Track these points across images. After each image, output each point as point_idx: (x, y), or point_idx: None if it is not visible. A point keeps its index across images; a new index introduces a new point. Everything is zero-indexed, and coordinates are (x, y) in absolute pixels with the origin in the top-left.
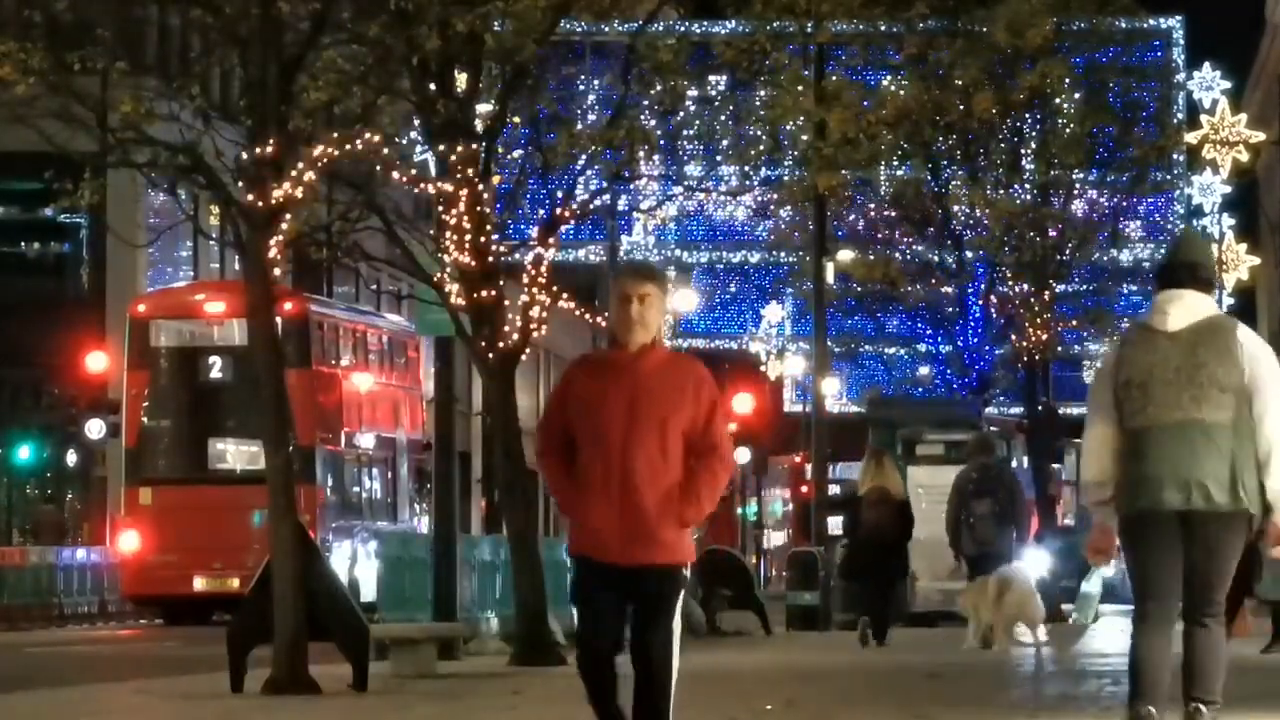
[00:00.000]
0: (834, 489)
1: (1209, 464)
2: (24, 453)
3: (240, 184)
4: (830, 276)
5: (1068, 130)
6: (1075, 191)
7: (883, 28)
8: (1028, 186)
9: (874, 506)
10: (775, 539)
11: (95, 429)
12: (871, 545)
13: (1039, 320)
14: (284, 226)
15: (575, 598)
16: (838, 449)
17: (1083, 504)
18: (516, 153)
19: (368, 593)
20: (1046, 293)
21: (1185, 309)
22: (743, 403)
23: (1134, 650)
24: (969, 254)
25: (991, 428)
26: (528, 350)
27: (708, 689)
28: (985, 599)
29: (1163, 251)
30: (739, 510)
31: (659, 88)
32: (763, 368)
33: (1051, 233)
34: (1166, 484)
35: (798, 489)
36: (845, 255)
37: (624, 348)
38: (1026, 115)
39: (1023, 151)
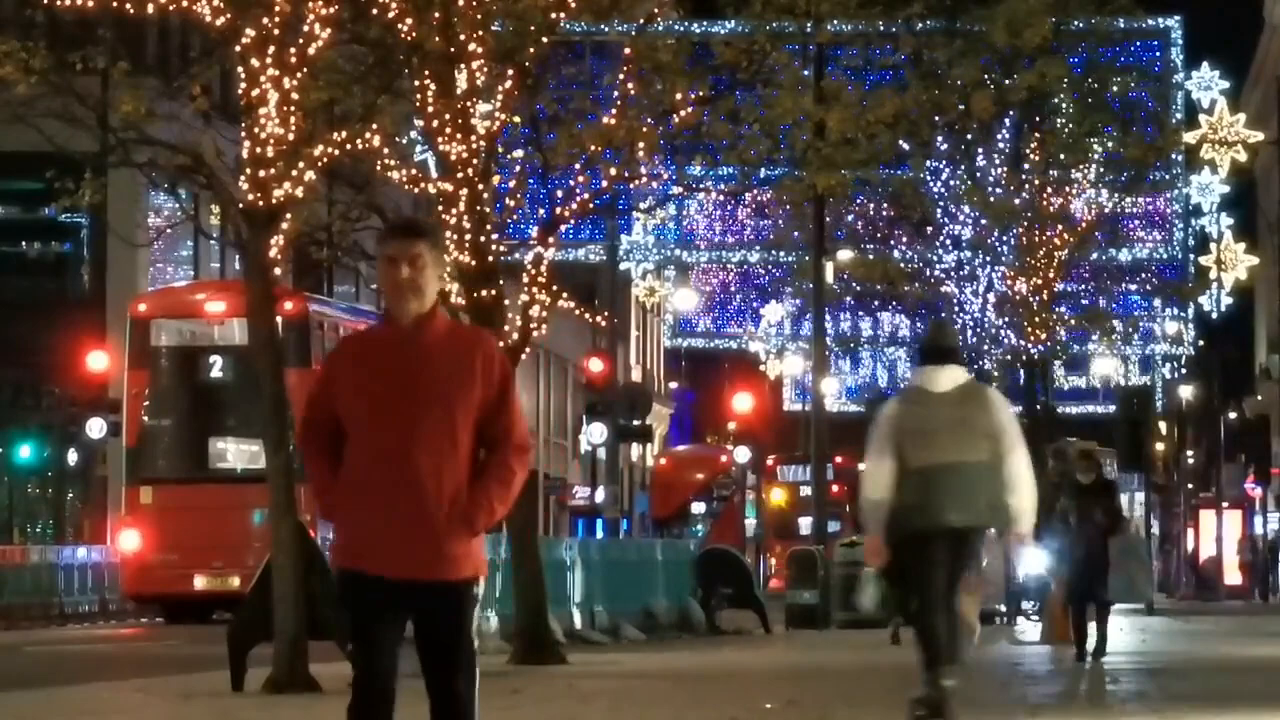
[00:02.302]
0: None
1: (978, 492)
2: (25, 452)
3: (241, 183)
4: (829, 276)
5: (1066, 130)
6: (1074, 191)
7: (881, 28)
8: (1026, 186)
9: None
10: None
11: (96, 428)
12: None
13: (1038, 320)
14: (284, 226)
15: (348, 622)
16: (837, 448)
17: (861, 519)
18: (517, 152)
19: None
20: (1045, 292)
21: (949, 377)
22: (742, 402)
23: (927, 629)
24: (968, 253)
25: None
26: (528, 350)
27: (708, 688)
28: None
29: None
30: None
31: (659, 87)
32: (762, 367)
33: (1050, 232)
34: (949, 508)
35: (768, 491)
36: (844, 255)
37: (396, 320)
38: (1025, 115)
39: (1022, 151)
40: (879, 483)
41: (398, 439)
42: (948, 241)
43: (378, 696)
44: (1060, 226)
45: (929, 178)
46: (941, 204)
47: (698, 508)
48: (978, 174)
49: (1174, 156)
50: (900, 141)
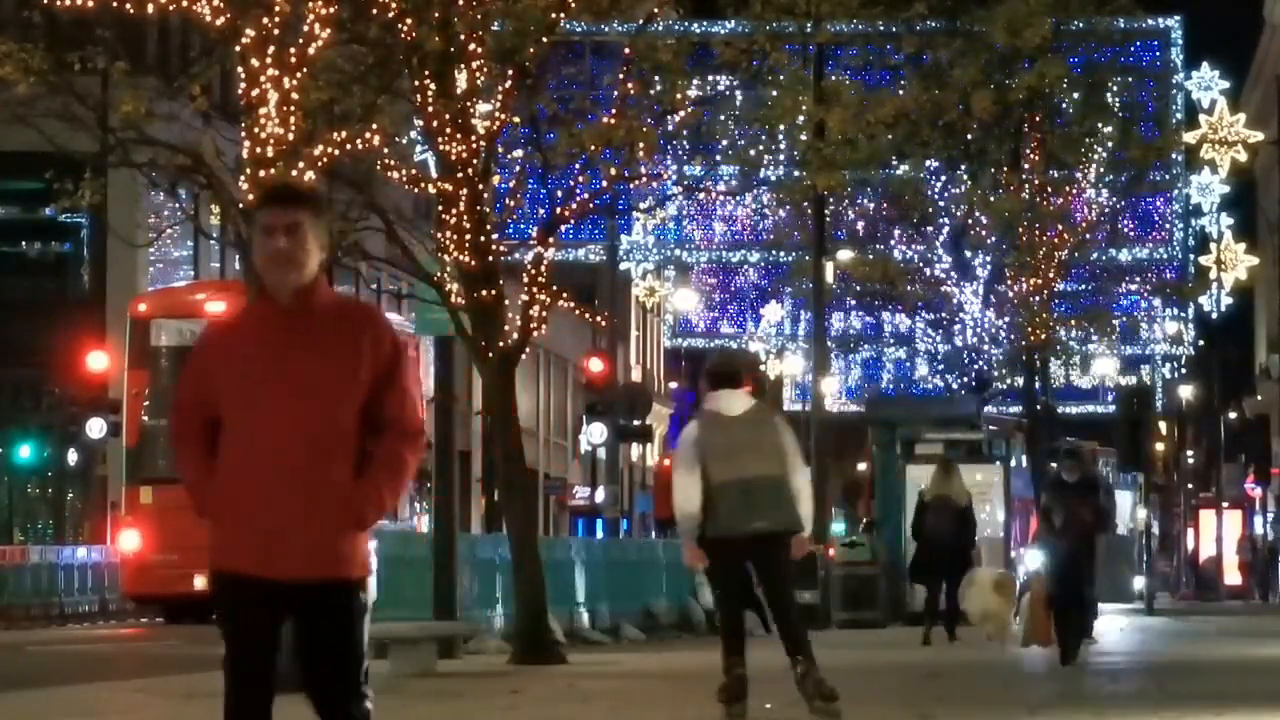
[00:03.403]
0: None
1: (779, 502)
2: (25, 452)
3: (241, 183)
4: (830, 276)
5: (1067, 130)
6: (1074, 191)
7: (882, 28)
8: (1027, 186)
9: (936, 512)
10: None
11: (96, 428)
12: (933, 548)
13: (1038, 319)
14: None
15: (221, 628)
16: (838, 448)
17: (680, 529)
18: (517, 152)
19: None
20: (1045, 292)
21: (739, 401)
22: None
23: (726, 622)
24: (968, 253)
25: (990, 427)
26: (528, 350)
27: (708, 688)
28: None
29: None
30: None
31: (659, 87)
32: (762, 367)
33: (1050, 232)
34: (753, 516)
35: None
36: (844, 255)
37: (272, 296)
38: (1025, 115)
39: (1022, 151)
40: (690, 496)
41: (276, 426)
42: (948, 242)
43: (255, 708)
44: (1060, 226)
45: (929, 178)
46: (941, 203)
47: None
48: (978, 174)
49: (1174, 156)
50: (900, 141)
